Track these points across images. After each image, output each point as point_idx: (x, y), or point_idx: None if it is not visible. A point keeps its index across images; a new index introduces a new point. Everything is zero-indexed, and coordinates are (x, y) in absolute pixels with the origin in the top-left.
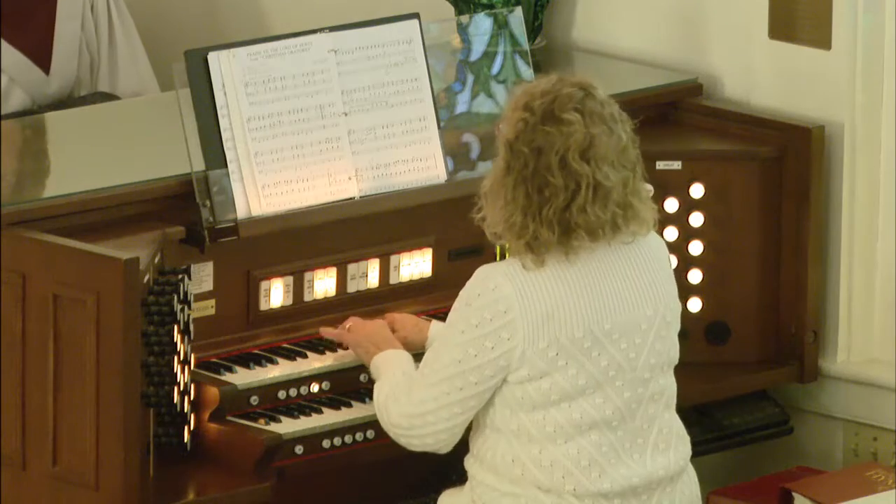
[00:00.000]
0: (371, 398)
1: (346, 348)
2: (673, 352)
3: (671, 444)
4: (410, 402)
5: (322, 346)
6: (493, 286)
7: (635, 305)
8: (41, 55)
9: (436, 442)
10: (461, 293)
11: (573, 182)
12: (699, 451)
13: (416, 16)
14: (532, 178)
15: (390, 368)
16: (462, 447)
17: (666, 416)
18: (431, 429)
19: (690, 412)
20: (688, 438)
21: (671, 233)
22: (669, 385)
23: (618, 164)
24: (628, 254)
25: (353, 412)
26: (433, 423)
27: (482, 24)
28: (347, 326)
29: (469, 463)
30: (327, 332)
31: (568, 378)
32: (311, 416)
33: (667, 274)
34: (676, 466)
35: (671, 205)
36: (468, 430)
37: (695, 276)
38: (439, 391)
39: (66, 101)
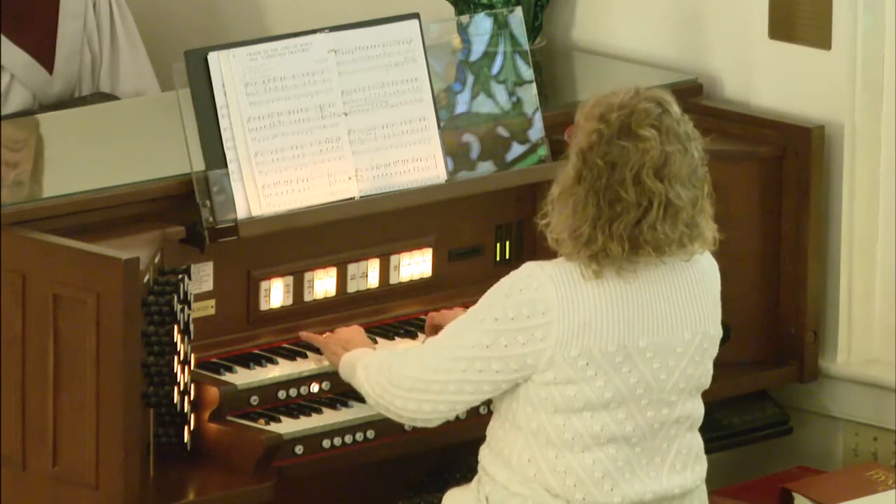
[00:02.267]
0: None
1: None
2: (704, 378)
3: (688, 464)
4: (420, 364)
5: None
6: (536, 286)
7: (674, 328)
8: (45, 55)
9: (432, 411)
10: (502, 281)
11: (646, 199)
12: None
13: (416, 16)
14: (604, 192)
15: (366, 353)
16: (465, 445)
17: (687, 436)
18: (434, 397)
19: None
20: (704, 459)
21: None
22: (696, 409)
23: (689, 183)
24: (677, 275)
25: (353, 412)
26: (438, 392)
27: (482, 24)
28: (325, 334)
29: (484, 454)
30: (307, 335)
31: (595, 389)
32: (311, 416)
33: (714, 301)
34: (692, 486)
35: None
36: (488, 420)
37: None
38: (456, 366)
39: (66, 101)
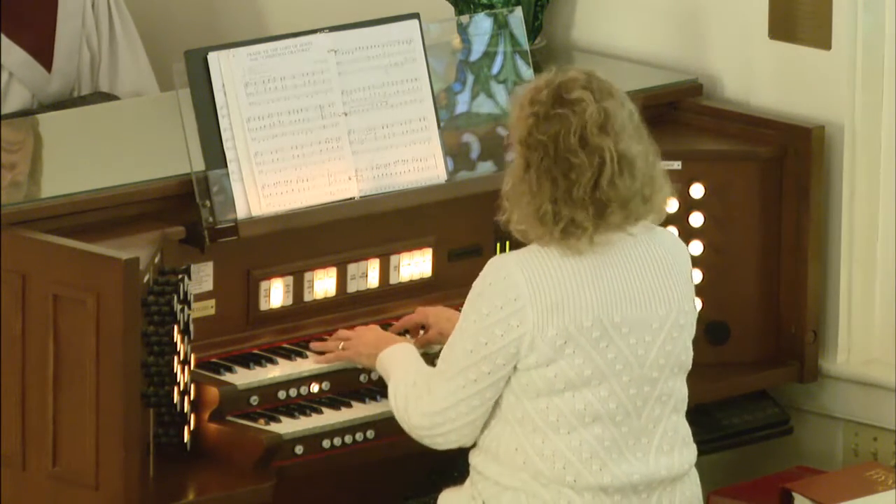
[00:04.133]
0: (371, 398)
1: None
2: (684, 356)
3: (675, 446)
4: (431, 400)
5: None
6: (504, 275)
7: (648, 303)
8: (43, 53)
9: (459, 438)
10: (474, 284)
11: (597, 157)
12: (699, 451)
13: (416, 16)
14: (555, 164)
15: (399, 366)
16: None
17: (673, 418)
18: (452, 425)
19: (690, 412)
20: (694, 445)
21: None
22: (679, 389)
23: (636, 136)
24: (645, 252)
25: (353, 412)
26: (454, 420)
27: (482, 24)
28: (340, 346)
29: (473, 455)
30: (318, 359)
31: (574, 367)
32: (311, 416)
33: (685, 278)
34: (680, 469)
35: (671, 205)
36: None
37: (695, 276)
38: (456, 385)
39: (65, 101)
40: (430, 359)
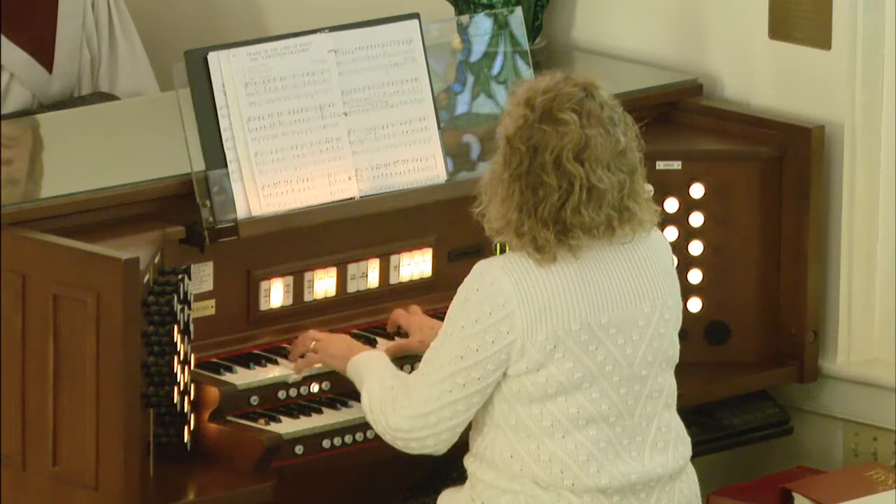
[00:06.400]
0: None
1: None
2: (671, 351)
3: (670, 443)
4: (411, 403)
5: None
6: (490, 280)
7: (633, 302)
8: (44, 54)
9: (436, 443)
10: (459, 289)
11: (566, 182)
12: (699, 451)
13: (416, 16)
14: (527, 176)
15: (373, 371)
16: (461, 446)
17: (665, 415)
18: (433, 430)
19: (690, 412)
20: (688, 440)
21: (671, 233)
22: (668, 384)
23: (614, 167)
24: (628, 251)
25: (353, 412)
26: (435, 424)
27: (482, 25)
28: (312, 345)
29: (468, 461)
30: (294, 366)
31: (564, 371)
32: (311, 416)
33: (668, 272)
34: (675, 465)
35: (671, 205)
36: (467, 429)
37: (695, 276)
38: (441, 389)
39: (65, 101)
40: (407, 362)
